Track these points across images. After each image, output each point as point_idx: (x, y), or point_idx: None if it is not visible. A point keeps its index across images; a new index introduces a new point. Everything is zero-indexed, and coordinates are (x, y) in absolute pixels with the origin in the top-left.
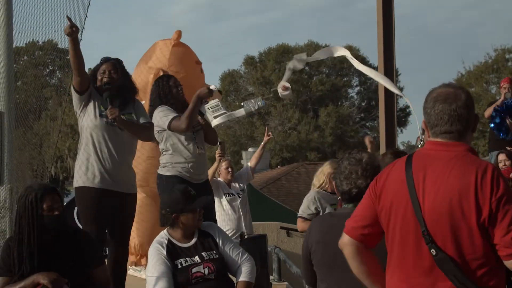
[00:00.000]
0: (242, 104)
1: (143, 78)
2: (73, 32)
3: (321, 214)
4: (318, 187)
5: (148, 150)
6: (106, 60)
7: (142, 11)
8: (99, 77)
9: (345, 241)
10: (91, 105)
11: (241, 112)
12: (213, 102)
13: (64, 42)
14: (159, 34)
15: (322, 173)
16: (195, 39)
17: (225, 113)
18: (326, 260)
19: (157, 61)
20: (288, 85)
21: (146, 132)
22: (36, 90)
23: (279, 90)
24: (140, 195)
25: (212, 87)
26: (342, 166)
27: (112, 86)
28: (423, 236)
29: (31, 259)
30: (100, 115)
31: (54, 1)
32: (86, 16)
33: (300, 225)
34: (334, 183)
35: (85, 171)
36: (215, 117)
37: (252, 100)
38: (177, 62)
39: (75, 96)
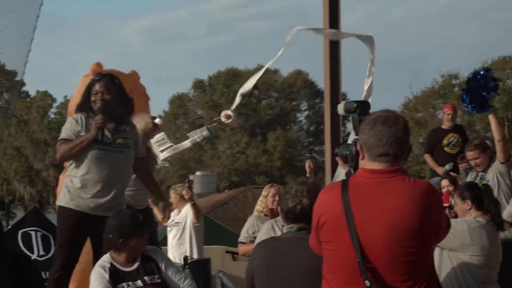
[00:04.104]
0: (188, 135)
1: None
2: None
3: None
4: (260, 212)
5: None
6: (99, 78)
7: (90, 34)
8: (92, 98)
9: None
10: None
11: (186, 144)
12: (158, 136)
13: (12, 65)
14: (107, 57)
15: (263, 197)
16: (143, 62)
17: (171, 146)
18: (269, 284)
19: None
20: (230, 113)
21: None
22: None
23: (222, 119)
24: None
25: (156, 120)
26: (288, 187)
27: (104, 109)
28: (358, 267)
29: None
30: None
31: (1, 23)
32: (33, 39)
33: (240, 249)
34: (279, 207)
35: (67, 193)
36: (161, 151)
37: (198, 131)
38: None
39: None
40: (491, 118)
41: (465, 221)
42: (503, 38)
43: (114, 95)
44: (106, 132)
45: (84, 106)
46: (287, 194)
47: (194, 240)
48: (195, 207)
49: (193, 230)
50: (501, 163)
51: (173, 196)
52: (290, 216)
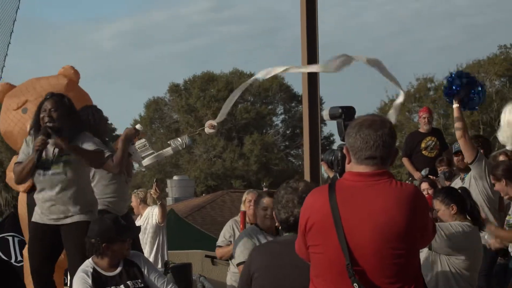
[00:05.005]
0: (169, 142)
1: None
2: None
3: None
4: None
5: None
6: (49, 96)
7: (66, 38)
8: (41, 115)
9: None
10: None
11: (168, 151)
12: (140, 143)
13: None
14: (83, 61)
15: (243, 203)
16: (119, 65)
17: (153, 153)
18: (269, 284)
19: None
20: (215, 123)
21: (96, 159)
22: None
23: (206, 129)
24: None
25: (137, 126)
26: (280, 195)
27: (52, 127)
28: (347, 269)
29: None
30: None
31: None
32: (9, 43)
33: (217, 252)
34: (274, 212)
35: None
36: (143, 158)
37: (179, 139)
38: None
39: None
40: (455, 110)
41: (460, 226)
42: (472, 42)
43: (62, 113)
44: (49, 152)
45: (35, 125)
46: (279, 204)
47: (160, 242)
48: (162, 207)
49: (157, 231)
50: (469, 164)
51: (134, 200)
52: (284, 226)
